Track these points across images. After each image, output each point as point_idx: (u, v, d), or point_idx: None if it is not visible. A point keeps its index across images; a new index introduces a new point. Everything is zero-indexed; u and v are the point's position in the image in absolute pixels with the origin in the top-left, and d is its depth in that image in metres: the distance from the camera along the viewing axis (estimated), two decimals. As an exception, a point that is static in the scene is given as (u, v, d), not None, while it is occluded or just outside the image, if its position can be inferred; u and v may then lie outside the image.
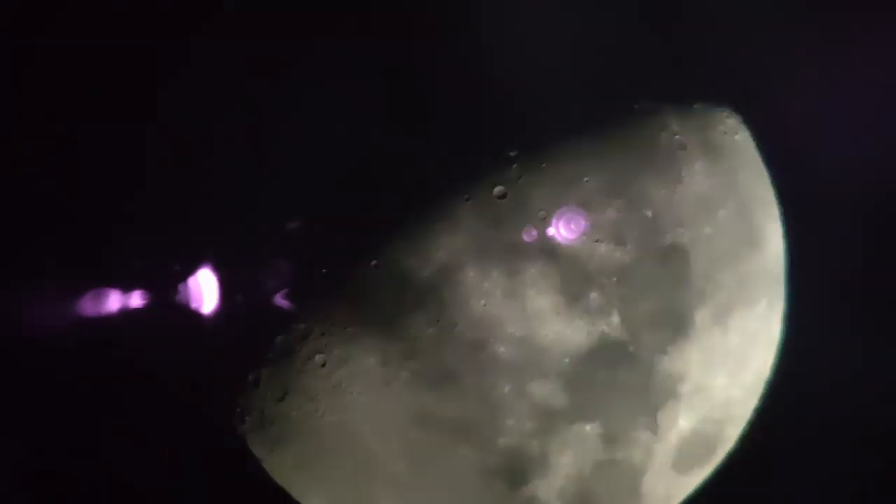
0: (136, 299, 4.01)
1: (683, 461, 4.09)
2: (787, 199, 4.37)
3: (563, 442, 3.73)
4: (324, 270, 3.59)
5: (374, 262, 3.53)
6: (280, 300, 3.66)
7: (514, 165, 3.56)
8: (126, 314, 4.01)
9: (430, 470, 3.74)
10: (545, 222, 3.54)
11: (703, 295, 3.83)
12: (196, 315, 3.83)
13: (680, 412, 3.92)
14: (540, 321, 3.55)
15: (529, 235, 3.53)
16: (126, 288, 4.02)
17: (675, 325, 3.78)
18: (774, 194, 4.36)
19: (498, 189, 3.52)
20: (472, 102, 3.61)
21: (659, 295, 3.71)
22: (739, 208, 4.01)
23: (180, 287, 3.86)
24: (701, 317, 3.83)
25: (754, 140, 4.26)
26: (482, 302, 3.53)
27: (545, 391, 3.62)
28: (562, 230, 3.54)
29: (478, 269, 3.51)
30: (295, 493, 4.12)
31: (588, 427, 3.73)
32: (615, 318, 3.63)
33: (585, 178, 3.60)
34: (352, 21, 3.82)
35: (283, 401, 3.77)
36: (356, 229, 3.55)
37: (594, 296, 3.59)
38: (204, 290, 3.81)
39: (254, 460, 4.06)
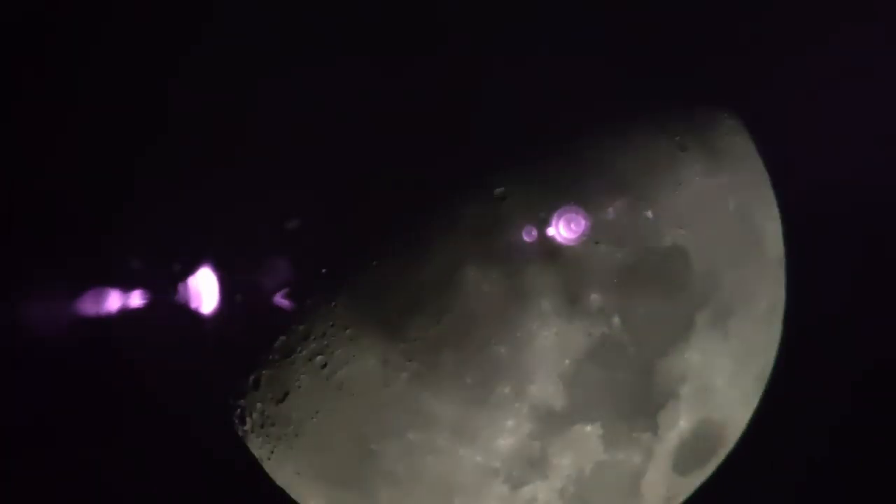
0: (136, 299, 4.01)
1: (684, 462, 4.09)
2: (787, 200, 4.37)
3: (564, 443, 3.73)
4: (324, 270, 3.59)
5: (374, 262, 3.53)
6: (280, 300, 3.66)
7: (515, 165, 3.56)
8: (126, 314, 4.01)
9: (430, 470, 3.74)
10: (545, 222, 3.53)
11: (704, 296, 3.82)
12: (196, 315, 3.83)
13: (680, 413, 3.92)
14: (540, 322, 3.55)
15: (529, 235, 3.53)
16: (126, 288, 4.02)
17: (675, 326, 3.78)
18: (774, 194, 4.36)
19: (498, 190, 3.52)
20: (473, 102, 3.61)
21: (659, 296, 3.71)
22: (739, 209, 4.00)
23: (180, 287, 3.85)
24: (701, 318, 3.83)
25: (754, 141, 4.26)
26: (482, 302, 3.52)
27: (545, 392, 3.62)
28: (562, 230, 3.54)
29: (478, 270, 3.51)
30: (295, 493, 4.13)
31: (588, 428, 3.73)
32: (615, 319, 3.63)
33: (585, 179, 3.60)
34: (351, 22, 3.82)
35: (284, 402, 3.77)
36: (356, 229, 3.55)
37: (594, 297, 3.59)
38: (204, 290, 3.81)
39: (254, 461, 4.07)
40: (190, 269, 3.83)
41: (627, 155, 3.70)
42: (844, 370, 5.41)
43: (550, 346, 3.57)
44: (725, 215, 3.94)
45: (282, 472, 4.06)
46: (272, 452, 3.96)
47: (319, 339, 3.62)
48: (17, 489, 4.58)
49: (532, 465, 3.75)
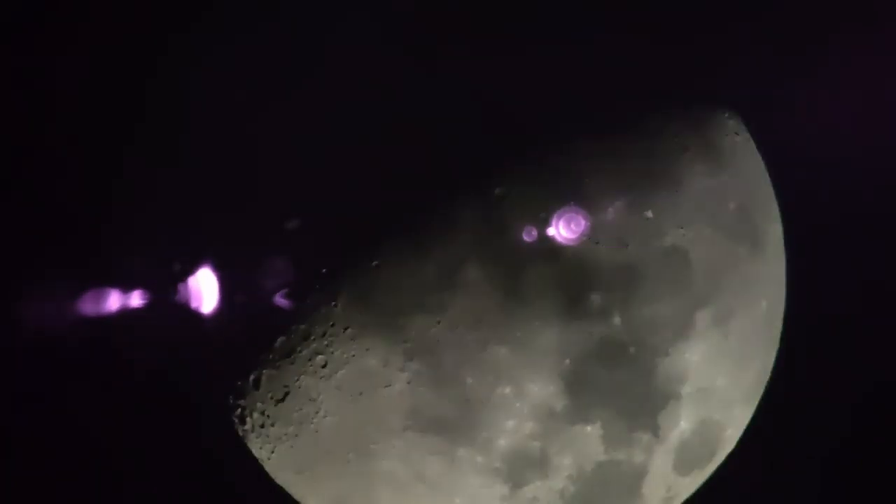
0: (136, 299, 4.01)
1: (684, 462, 4.09)
2: (787, 199, 4.38)
3: (564, 443, 3.73)
4: (324, 270, 3.59)
5: (374, 262, 3.53)
6: (280, 300, 3.66)
7: (515, 165, 3.56)
8: (126, 314, 4.01)
9: (430, 470, 3.74)
10: (545, 222, 3.53)
11: (704, 296, 3.82)
12: (196, 315, 3.83)
13: (681, 413, 3.92)
14: (540, 322, 3.55)
15: (529, 235, 3.53)
16: (126, 288, 4.02)
17: (675, 326, 3.77)
18: (774, 194, 4.36)
19: (498, 190, 3.52)
20: (473, 102, 3.61)
21: (659, 296, 3.71)
22: (740, 209, 4.00)
23: (180, 287, 3.86)
24: (701, 318, 3.83)
25: (755, 141, 4.26)
26: (482, 302, 3.52)
27: (546, 392, 3.62)
28: (562, 230, 3.54)
29: (478, 270, 3.51)
30: (295, 493, 4.12)
31: (588, 428, 3.73)
32: (616, 320, 3.63)
33: (585, 179, 3.60)
34: (349, 23, 3.82)
35: (284, 402, 3.77)
36: (356, 229, 3.55)
37: (595, 297, 3.59)
38: (204, 290, 3.81)
39: (254, 461, 4.07)
40: (190, 269, 3.83)
41: (627, 155, 3.70)
42: (844, 370, 5.41)
43: (550, 346, 3.57)
44: (725, 215, 3.94)
45: (282, 472, 4.06)
46: (272, 452, 3.96)
47: (319, 339, 3.62)
48: (17, 489, 4.58)
49: (532, 465, 3.75)
